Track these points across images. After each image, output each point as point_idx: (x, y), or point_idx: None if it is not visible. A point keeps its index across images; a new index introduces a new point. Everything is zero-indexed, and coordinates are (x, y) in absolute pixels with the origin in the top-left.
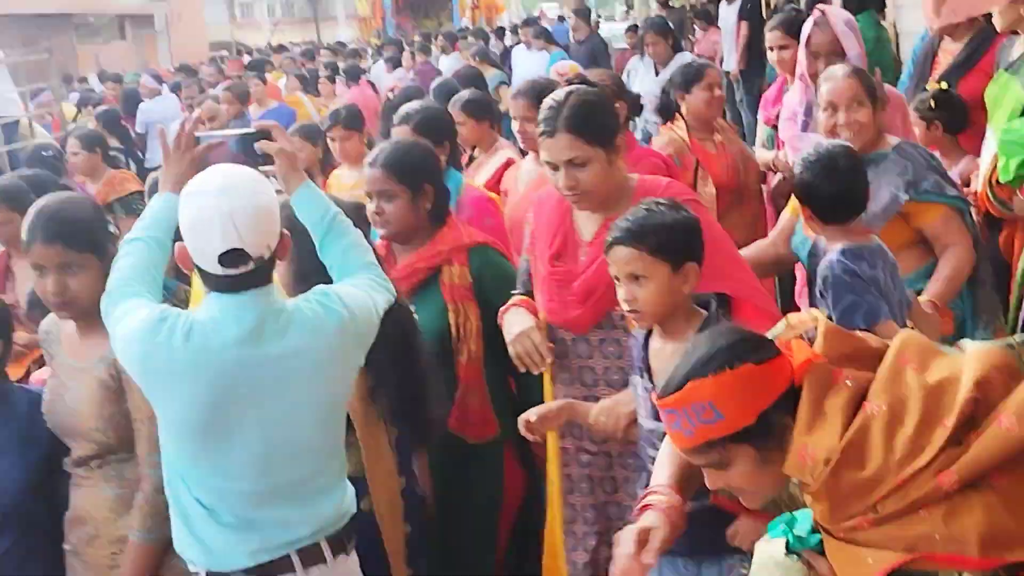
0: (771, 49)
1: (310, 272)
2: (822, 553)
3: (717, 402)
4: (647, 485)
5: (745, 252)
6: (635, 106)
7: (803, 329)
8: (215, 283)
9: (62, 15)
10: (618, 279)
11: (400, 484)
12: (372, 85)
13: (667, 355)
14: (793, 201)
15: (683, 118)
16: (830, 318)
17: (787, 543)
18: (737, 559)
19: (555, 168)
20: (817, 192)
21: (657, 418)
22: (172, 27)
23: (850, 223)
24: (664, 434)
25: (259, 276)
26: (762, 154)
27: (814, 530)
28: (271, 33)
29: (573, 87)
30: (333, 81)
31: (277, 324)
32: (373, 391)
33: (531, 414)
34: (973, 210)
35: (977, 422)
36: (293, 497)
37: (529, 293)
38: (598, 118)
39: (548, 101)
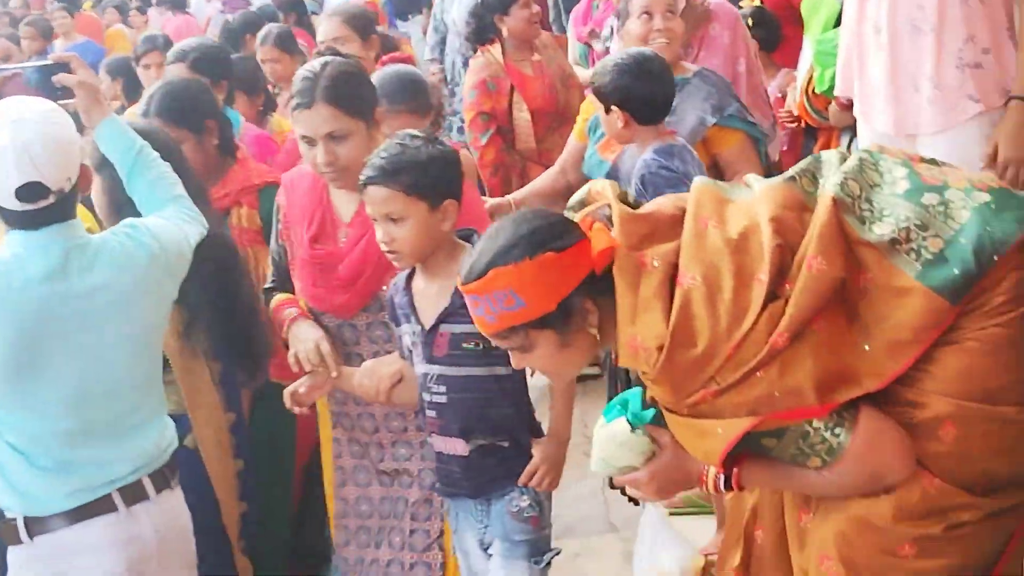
0: None
1: (124, 204)
2: (663, 426)
3: (518, 290)
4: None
5: (534, 185)
6: None
7: (602, 201)
8: (15, 220)
9: None
10: (375, 219)
11: (229, 420)
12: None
13: (432, 294)
14: (579, 126)
15: (500, 41)
16: None
17: (628, 421)
18: (518, 491)
19: (311, 143)
20: (634, 94)
21: (431, 361)
22: None
23: (661, 124)
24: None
25: (61, 210)
26: (579, 72)
27: (647, 407)
28: None
29: (329, 58)
30: (144, 12)
31: (83, 259)
32: (188, 327)
33: (299, 385)
34: (782, 130)
35: (787, 268)
36: (110, 435)
37: (283, 282)
38: (357, 89)
39: (302, 72)
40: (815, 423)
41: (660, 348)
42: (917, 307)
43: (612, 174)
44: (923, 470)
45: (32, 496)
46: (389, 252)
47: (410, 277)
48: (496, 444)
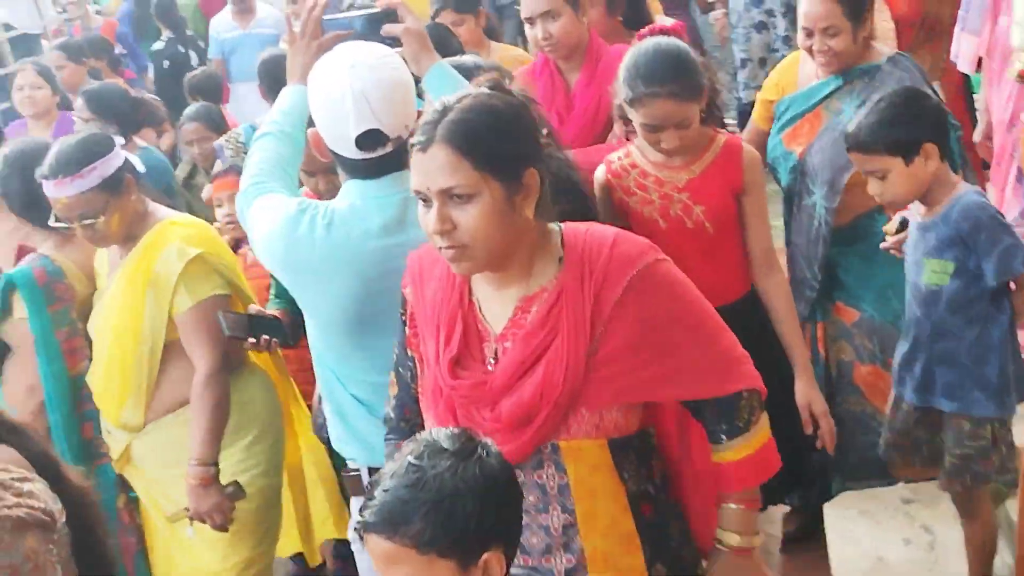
0: None
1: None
2: None
3: None
4: None
5: None
6: None
7: None
8: (353, 169)
9: None
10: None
11: None
12: None
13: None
14: (761, 110)
15: None
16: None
17: None
18: None
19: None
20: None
21: None
22: None
23: None
24: None
25: (399, 158)
26: None
27: None
28: None
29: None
30: None
31: None
32: None
33: None
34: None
35: None
36: None
37: (409, 420)
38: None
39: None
40: None
41: None
42: None
43: (799, 167)
44: None
45: (375, 447)
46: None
47: None
48: None
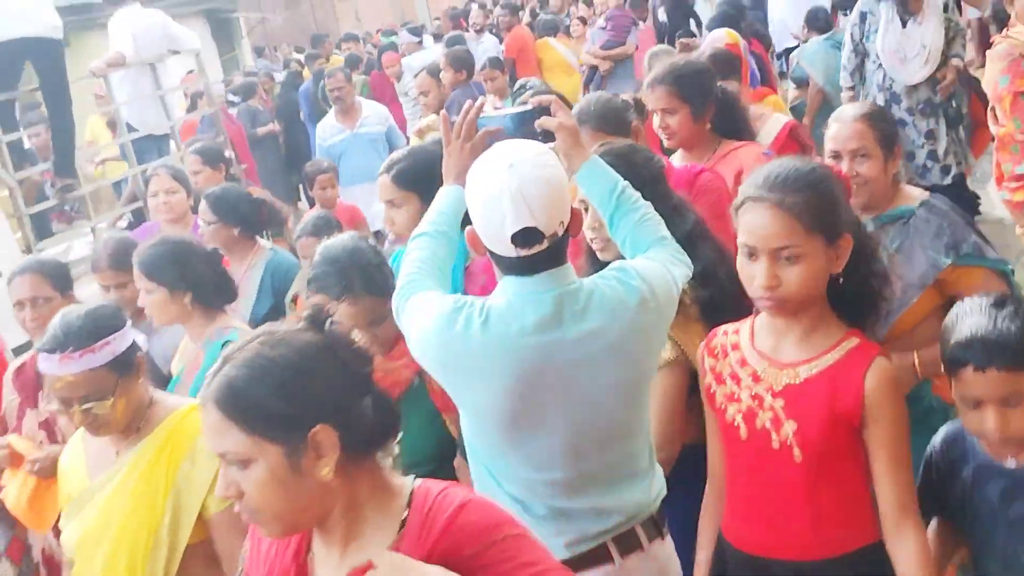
0: None
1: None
2: None
3: None
4: None
5: None
6: None
7: None
8: (508, 266)
9: None
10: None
11: None
12: None
13: None
14: None
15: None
16: None
17: None
18: None
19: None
20: None
21: None
22: None
23: None
24: None
25: (554, 255)
26: None
27: None
28: None
29: None
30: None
31: (575, 305)
32: None
33: None
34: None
35: None
36: (605, 483)
37: None
38: None
39: None
40: None
41: None
42: None
43: None
44: None
45: None
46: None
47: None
48: None
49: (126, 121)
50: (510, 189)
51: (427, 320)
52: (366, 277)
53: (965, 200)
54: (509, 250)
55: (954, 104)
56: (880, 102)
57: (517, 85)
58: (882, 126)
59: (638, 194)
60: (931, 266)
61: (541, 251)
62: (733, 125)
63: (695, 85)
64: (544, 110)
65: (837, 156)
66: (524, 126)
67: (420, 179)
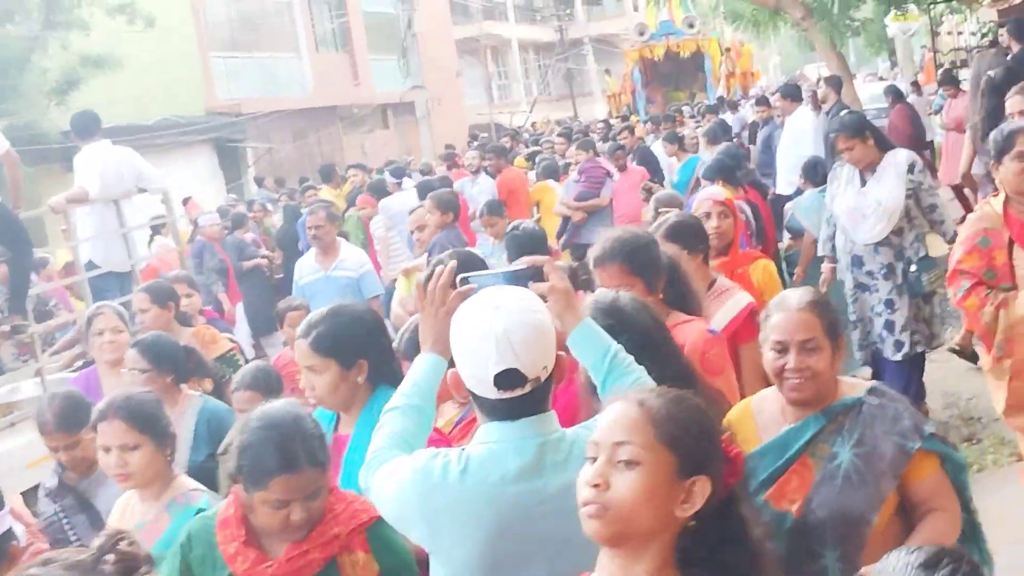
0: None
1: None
2: None
3: None
4: None
5: None
6: None
7: None
8: (491, 410)
9: (329, 108)
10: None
11: None
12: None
13: None
14: None
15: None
16: None
17: None
18: None
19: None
20: None
21: None
22: (433, 113)
23: None
24: None
25: (536, 402)
26: None
27: None
28: (529, 112)
29: None
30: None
31: (557, 454)
32: None
33: None
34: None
35: None
36: None
37: None
38: None
39: None
40: None
41: None
42: None
43: (797, 529)
44: None
45: None
46: None
47: None
48: None
49: (88, 258)
50: (495, 331)
51: (404, 474)
52: (308, 449)
53: (914, 381)
54: (491, 392)
55: (920, 276)
56: (843, 265)
57: (509, 227)
58: (828, 315)
59: (631, 358)
60: (901, 452)
61: (524, 395)
62: (681, 299)
63: (646, 259)
64: (537, 271)
65: (783, 347)
66: (516, 284)
67: (338, 345)
